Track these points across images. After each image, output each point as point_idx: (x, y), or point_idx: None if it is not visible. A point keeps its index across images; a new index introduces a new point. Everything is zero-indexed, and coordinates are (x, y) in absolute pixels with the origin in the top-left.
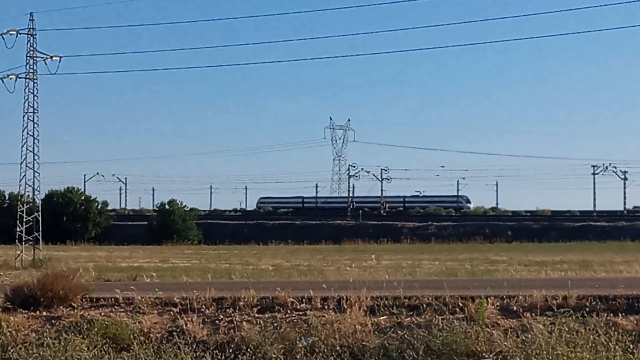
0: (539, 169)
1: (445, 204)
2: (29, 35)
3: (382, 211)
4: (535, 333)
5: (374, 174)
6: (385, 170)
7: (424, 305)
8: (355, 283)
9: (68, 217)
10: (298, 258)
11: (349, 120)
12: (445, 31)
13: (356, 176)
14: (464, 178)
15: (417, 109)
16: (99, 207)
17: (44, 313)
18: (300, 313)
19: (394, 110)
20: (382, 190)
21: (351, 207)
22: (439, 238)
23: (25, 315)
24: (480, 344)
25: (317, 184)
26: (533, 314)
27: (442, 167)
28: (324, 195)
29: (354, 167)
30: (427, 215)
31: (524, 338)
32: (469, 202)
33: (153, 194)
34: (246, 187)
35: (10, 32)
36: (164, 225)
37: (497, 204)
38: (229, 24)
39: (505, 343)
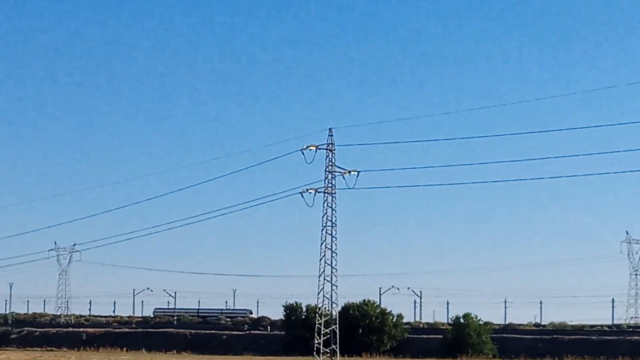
0: None
1: (236, 315)
2: (328, 150)
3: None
4: None
5: None
6: None
7: None
8: None
9: (364, 330)
10: None
11: None
12: None
13: None
14: None
15: None
16: (394, 320)
17: None
18: None
19: None
20: None
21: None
22: None
23: None
24: None
25: (613, 299)
26: None
27: None
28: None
29: None
30: None
31: None
32: (251, 313)
33: (447, 307)
34: (541, 301)
35: (310, 148)
36: (458, 339)
37: None
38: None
39: None
